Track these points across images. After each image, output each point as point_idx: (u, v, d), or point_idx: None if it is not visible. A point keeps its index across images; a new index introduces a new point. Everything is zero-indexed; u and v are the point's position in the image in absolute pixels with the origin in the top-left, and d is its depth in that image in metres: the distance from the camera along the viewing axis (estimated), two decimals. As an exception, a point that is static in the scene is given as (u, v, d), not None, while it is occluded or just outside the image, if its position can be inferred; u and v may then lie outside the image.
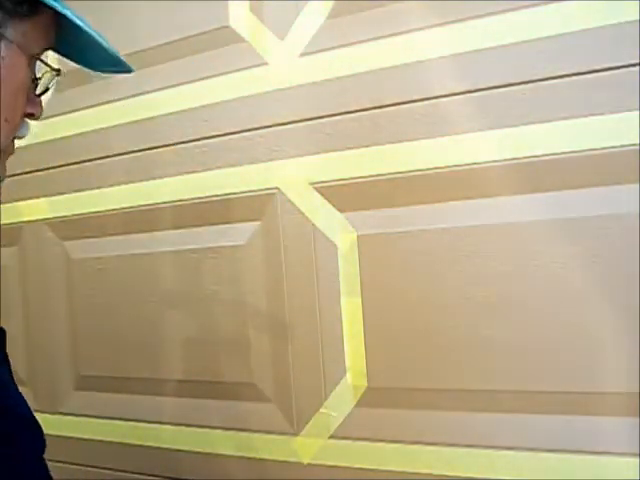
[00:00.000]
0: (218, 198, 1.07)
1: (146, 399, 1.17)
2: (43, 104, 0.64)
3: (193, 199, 1.10)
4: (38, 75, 0.62)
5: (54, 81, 0.63)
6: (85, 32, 0.59)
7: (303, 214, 0.99)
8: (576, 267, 0.81)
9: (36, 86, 0.62)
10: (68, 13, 0.57)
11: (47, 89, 0.63)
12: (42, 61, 0.61)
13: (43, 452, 0.58)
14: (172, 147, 1.11)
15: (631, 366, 0.77)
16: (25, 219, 1.32)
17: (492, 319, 0.85)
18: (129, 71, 0.68)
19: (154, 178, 1.14)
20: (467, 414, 0.88)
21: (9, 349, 0.63)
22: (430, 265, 0.89)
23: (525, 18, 0.82)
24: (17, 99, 0.59)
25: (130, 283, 1.18)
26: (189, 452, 1.11)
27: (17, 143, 0.63)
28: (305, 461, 0.99)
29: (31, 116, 0.62)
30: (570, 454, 0.81)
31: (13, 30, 0.56)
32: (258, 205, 1.03)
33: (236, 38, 1.04)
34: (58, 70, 0.63)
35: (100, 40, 0.61)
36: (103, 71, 0.69)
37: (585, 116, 0.79)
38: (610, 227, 0.79)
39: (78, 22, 0.58)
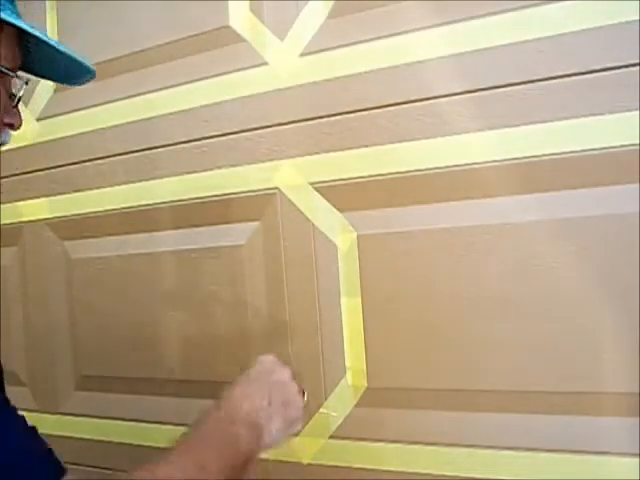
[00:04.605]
0: (218, 198, 1.07)
1: (146, 399, 1.17)
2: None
3: (193, 199, 1.10)
4: (14, 91, 0.65)
5: (23, 89, 0.67)
6: (49, 45, 0.63)
7: (303, 214, 0.99)
8: (576, 267, 0.81)
9: (13, 100, 0.66)
10: (25, 26, 0.60)
11: (20, 98, 0.67)
12: (13, 75, 0.64)
13: None
14: (172, 147, 1.11)
15: (631, 366, 0.77)
16: (25, 219, 1.32)
17: (492, 319, 0.85)
18: (93, 75, 0.72)
19: (154, 178, 1.14)
20: (467, 414, 0.87)
21: (5, 359, 0.63)
22: (430, 265, 0.89)
23: (525, 18, 0.82)
24: None
25: (130, 283, 1.18)
26: (189, 452, 1.11)
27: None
28: (305, 461, 0.99)
29: (11, 126, 0.66)
30: (570, 454, 0.81)
31: None
32: (258, 205, 1.03)
33: (236, 38, 1.04)
34: (27, 81, 0.66)
35: (62, 48, 0.64)
36: (77, 83, 0.74)
37: (585, 116, 0.79)
38: (610, 227, 0.79)
39: (36, 33, 0.61)
